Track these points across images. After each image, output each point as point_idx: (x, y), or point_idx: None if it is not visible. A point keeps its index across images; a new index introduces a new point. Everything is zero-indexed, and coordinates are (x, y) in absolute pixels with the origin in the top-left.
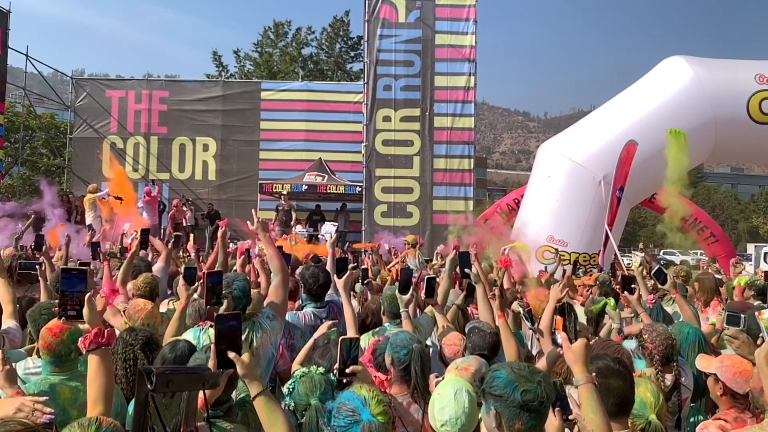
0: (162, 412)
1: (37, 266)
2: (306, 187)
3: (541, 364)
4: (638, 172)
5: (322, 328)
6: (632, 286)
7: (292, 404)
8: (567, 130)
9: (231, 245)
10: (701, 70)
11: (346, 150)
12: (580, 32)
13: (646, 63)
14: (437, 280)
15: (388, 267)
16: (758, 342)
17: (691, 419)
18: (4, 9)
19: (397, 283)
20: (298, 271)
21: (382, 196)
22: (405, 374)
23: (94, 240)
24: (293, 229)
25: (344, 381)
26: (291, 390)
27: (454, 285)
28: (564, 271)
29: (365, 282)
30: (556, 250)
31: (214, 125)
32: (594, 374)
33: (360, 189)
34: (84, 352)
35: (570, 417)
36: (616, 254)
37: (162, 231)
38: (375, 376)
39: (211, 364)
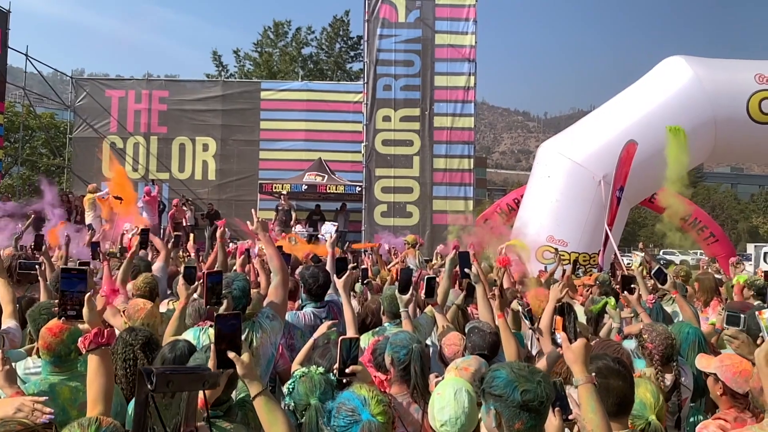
0: (162, 412)
1: (36, 266)
2: (306, 186)
3: (542, 364)
4: (638, 172)
5: (322, 328)
6: (632, 285)
7: (292, 404)
8: (567, 130)
9: (231, 245)
10: (701, 69)
11: (346, 150)
12: (580, 32)
13: (645, 63)
14: (437, 280)
15: (388, 267)
16: (758, 342)
17: (691, 419)
18: (4, 9)
19: (396, 283)
20: (298, 271)
21: (381, 195)
22: (405, 374)
23: (93, 240)
24: (293, 228)
25: (344, 381)
26: (291, 390)
27: (453, 285)
28: (564, 271)
29: (365, 282)
30: (556, 249)
31: (214, 125)
32: (594, 374)
33: (360, 189)
34: (84, 352)
35: (570, 417)
36: (615, 254)
37: (162, 231)
38: (375, 376)
39: (210, 364)
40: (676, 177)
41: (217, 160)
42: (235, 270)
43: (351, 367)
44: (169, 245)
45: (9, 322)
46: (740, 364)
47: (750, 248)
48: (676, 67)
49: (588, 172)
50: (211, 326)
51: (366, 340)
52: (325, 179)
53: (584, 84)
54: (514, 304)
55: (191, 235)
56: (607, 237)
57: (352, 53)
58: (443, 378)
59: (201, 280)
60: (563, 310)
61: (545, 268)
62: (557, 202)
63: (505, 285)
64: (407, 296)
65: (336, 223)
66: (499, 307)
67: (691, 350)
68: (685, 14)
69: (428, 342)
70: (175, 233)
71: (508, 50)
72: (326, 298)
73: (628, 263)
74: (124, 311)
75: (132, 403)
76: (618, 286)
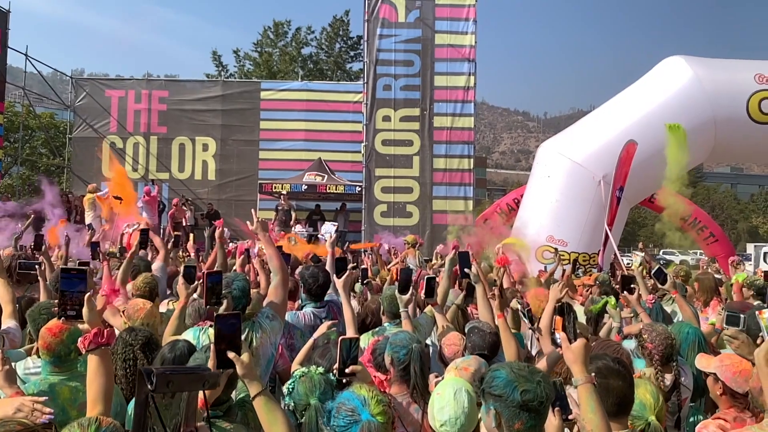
0: (162, 412)
1: (36, 266)
2: (306, 186)
3: (542, 364)
4: (638, 171)
5: (322, 328)
6: (632, 285)
7: (292, 404)
8: (567, 130)
9: (230, 245)
10: (701, 69)
11: (346, 150)
12: (580, 32)
13: (645, 63)
14: (437, 279)
15: (388, 267)
16: (758, 342)
17: (691, 419)
18: (3, 9)
19: (396, 283)
20: (297, 271)
21: (381, 195)
22: (404, 374)
23: (93, 240)
24: (293, 228)
25: (344, 381)
26: (290, 390)
27: (453, 285)
28: (563, 271)
29: (365, 282)
30: (556, 249)
31: (214, 125)
32: (593, 374)
33: (360, 189)
34: (83, 352)
35: (569, 417)
36: (615, 254)
37: (162, 231)
38: (374, 376)
39: (210, 364)
40: (676, 175)
41: (216, 160)
42: (235, 270)
43: (351, 367)
44: (169, 245)
45: (9, 322)
46: (740, 364)
47: (750, 248)
48: (676, 67)
49: (588, 172)
50: (210, 326)
51: (366, 340)
52: (324, 179)
53: (584, 84)
54: (513, 303)
55: (191, 235)
56: (606, 237)
57: (352, 53)
58: (443, 378)
59: (201, 280)
60: (563, 310)
61: (545, 268)
62: (557, 202)
63: (505, 285)
64: (407, 296)
65: (336, 223)
66: (498, 307)
67: (690, 350)
68: (685, 14)
69: (428, 342)
70: (175, 233)
71: (508, 50)
72: (326, 298)
73: (628, 263)
74: (123, 311)
75: (132, 403)
76: (618, 286)
